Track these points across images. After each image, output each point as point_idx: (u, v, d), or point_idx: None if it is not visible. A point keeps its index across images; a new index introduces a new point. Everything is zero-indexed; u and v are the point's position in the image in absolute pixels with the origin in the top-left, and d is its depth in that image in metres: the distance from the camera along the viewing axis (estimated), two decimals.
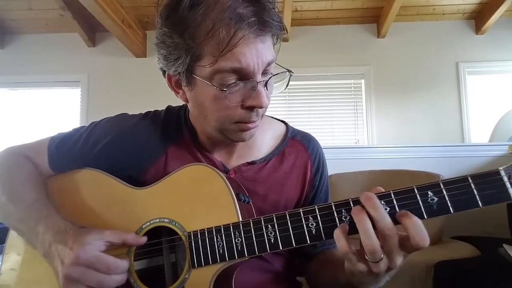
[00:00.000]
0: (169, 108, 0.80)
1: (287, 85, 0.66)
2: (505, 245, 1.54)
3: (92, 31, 3.62)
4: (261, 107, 0.61)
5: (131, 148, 0.73)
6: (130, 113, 0.80)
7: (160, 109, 0.80)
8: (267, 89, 0.61)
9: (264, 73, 0.61)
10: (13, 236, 0.74)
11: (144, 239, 0.63)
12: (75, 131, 0.78)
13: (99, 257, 0.57)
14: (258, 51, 0.57)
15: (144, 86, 3.38)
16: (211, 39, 0.56)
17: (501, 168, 0.46)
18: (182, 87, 0.66)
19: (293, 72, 0.65)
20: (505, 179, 0.46)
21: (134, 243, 0.63)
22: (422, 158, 2.56)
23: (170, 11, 0.59)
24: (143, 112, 0.79)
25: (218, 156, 0.75)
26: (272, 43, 0.61)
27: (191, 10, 0.56)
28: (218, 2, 0.56)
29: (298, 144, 0.79)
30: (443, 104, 3.32)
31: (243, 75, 0.58)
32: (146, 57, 3.55)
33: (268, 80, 0.60)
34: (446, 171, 2.24)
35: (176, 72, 0.62)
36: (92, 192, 0.73)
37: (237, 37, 0.55)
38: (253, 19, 0.55)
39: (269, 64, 0.60)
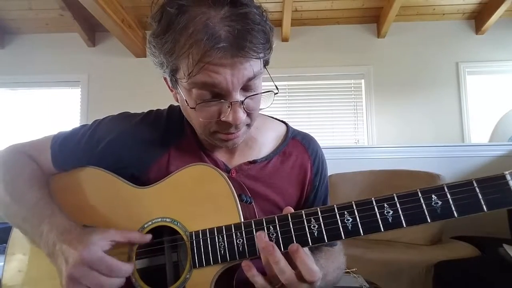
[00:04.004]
0: (171, 107, 0.80)
1: (271, 103, 0.65)
2: (505, 245, 1.55)
3: (92, 31, 3.62)
4: (236, 124, 0.61)
5: (134, 146, 0.73)
6: (132, 112, 0.80)
7: (162, 108, 0.80)
8: (245, 107, 0.60)
9: (246, 88, 0.60)
10: (15, 236, 0.74)
11: (149, 237, 0.64)
12: (78, 129, 0.78)
13: (102, 258, 0.57)
14: (233, 70, 0.56)
15: (144, 86, 3.38)
16: (183, 58, 0.56)
17: (507, 172, 0.46)
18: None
19: (277, 91, 0.63)
20: (511, 183, 0.46)
21: (139, 241, 0.63)
22: (422, 158, 2.57)
23: (154, 22, 0.59)
24: (145, 111, 0.80)
25: (219, 155, 0.75)
26: (253, 62, 0.57)
27: (170, 25, 0.56)
28: (197, 19, 0.54)
29: (298, 144, 0.79)
30: (443, 104, 3.32)
31: (217, 93, 0.58)
32: (146, 57, 3.54)
33: (245, 100, 0.59)
34: (446, 171, 2.25)
35: (164, 74, 0.64)
36: (95, 191, 0.73)
37: (209, 58, 0.54)
38: (229, 42, 0.53)
39: (249, 80, 0.58)
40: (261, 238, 0.54)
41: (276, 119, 0.84)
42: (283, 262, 0.52)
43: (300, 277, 0.52)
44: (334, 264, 0.73)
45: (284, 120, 0.85)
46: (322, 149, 0.82)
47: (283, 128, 0.82)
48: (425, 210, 0.49)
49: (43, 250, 0.63)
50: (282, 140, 0.79)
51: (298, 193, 0.77)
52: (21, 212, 0.68)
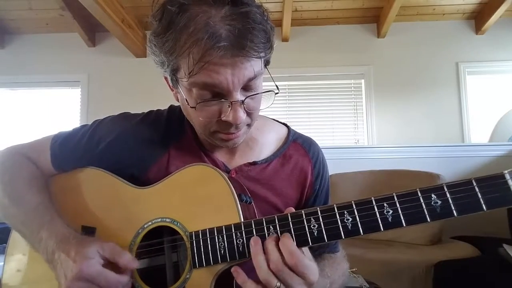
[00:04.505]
0: (171, 107, 0.80)
1: (272, 102, 0.65)
2: (505, 245, 1.55)
3: (92, 31, 3.62)
4: (236, 124, 0.61)
5: (134, 146, 0.73)
6: (132, 112, 0.80)
7: (162, 109, 0.80)
8: (245, 107, 0.60)
9: (247, 88, 0.60)
10: (15, 236, 0.74)
11: (136, 264, 0.61)
12: (78, 129, 0.78)
13: (100, 272, 0.57)
14: (234, 70, 0.55)
15: (144, 86, 3.38)
16: (184, 57, 0.56)
17: (506, 171, 0.46)
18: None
19: (278, 91, 0.63)
20: (510, 182, 0.46)
21: (126, 266, 0.60)
22: (422, 158, 2.57)
23: (154, 21, 0.59)
24: (145, 111, 0.80)
25: (219, 156, 0.75)
26: (254, 62, 0.57)
27: (170, 24, 0.56)
28: (198, 18, 0.54)
29: (299, 147, 0.79)
30: (443, 104, 3.32)
31: (218, 93, 0.58)
32: (146, 57, 3.55)
33: (245, 99, 0.59)
34: (446, 171, 2.25)
35: (165, 74, 0.64)
36: (95, 191, 0.73)
37: (209, 57, 0.53)
38: (230, 41, 0.53)
39: (250, 79, 0.58)
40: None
41: (277, 121, 0.84)
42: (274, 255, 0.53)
43: (286, 264, 0.53)
44: (338, 271, 0.74)
45: (284, 120, 0.85)
46: (322, 149, 0.82)
47: (284, 130, 0.82)
48: (425, 210, 0.49)
49: (42, 256, 0.63)
50: (283, 142, 0.79)
51: (298, 196, 0.77)
52: (20, 215, 0.68)
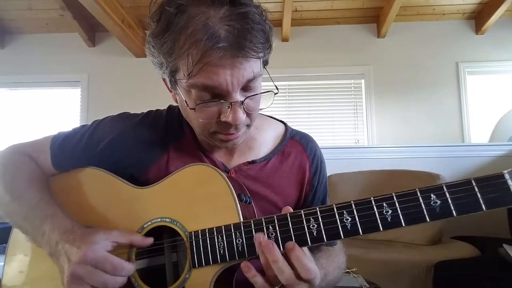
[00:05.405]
0: (170, 107, 0.80)
1: (271, 103, 0.65)
2: (505, 245, 1.55)
3: (92, 31, 3.62)
4: (235, 125, 0.61)
5: (134, 146, 0.74)
6: (131, 112, 0.80)
7: (161, 109, 0.80)
8: (245, 107, 0.60)
9: (246, 89, 0.60)
10: (15, 236, 0.74)
11: (150, 240, 0.63)
12: (77, 130, 0.78)
13: (106, 257, 0.57)
14: (233, 70, 0.55)
15: (144, 86, 3.38)
16: (183, 58, 0.55)
17: (505, 171, 0.46)
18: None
19: (277, 91, 0.63)
20: (510, 182, 0.46)
21: (140, 244, 0.63)
22: (422, 158, 2.57)
23: (152, 22, 0.59)
24: (145, 111, 0.80)
25: (218, 156, 0.76)
26: (253, 62, 0.57)
27: (169, 25, 0.55)
28: (196, 18, 0.54)
29: (297, 144, 0.79)
30: (443, 104, 3.31)
31: (217, 94, 0.58)
32: (146, 57, 3.51)
33: (244, 100, 0.59)
34: (446, 171, 2.25)
35: (163, 75, 0.64)
36: (95, 191, 0.73)
37: (208, 58, 0.53)
38: (228, 42, 0.53)
39: (249, 80, 0.58)
40: (259, 239, 0.54)
41: (275, 118, 0.84)
42: (281, 261, 0.52)
43: (299, 277, 0.52)
44: (334, 264, 0.73)
45: (284, 120, 0.85)
46: (322, 149, 0.83)
47: (282, 127, 0.82)
48: (424, 210, 0.49)
49: (45, 250, 0.63)
50: (281, 140, 0.79)
51: (297, 193, 0.78)
52: (22, 211, 0.68)
